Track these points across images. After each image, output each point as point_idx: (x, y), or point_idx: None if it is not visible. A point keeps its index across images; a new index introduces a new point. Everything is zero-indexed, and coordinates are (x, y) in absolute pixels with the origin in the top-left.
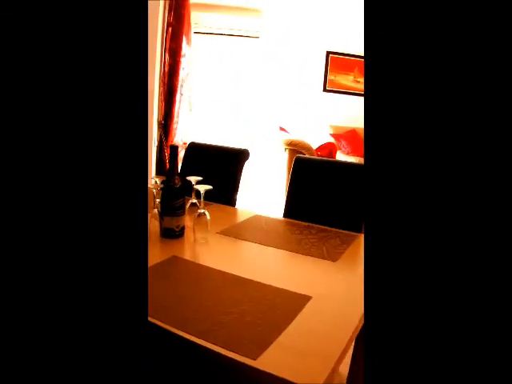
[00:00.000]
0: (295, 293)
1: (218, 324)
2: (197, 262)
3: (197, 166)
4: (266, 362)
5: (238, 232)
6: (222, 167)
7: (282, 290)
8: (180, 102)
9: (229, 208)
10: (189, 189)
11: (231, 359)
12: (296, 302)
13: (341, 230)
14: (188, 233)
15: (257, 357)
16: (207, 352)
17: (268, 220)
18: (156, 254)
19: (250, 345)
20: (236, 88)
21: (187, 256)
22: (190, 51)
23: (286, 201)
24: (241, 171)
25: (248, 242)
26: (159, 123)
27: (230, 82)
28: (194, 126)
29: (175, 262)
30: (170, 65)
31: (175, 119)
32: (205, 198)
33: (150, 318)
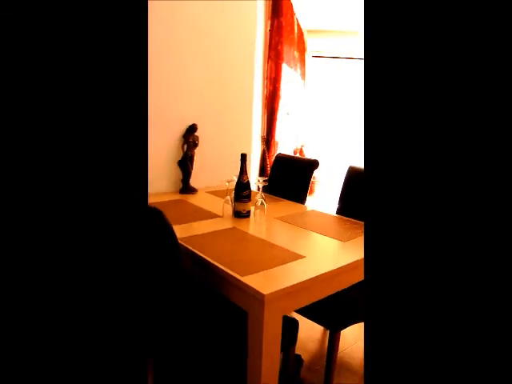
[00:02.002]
0: (294, 252)
1: (232, 258)
2: (244, 231)
3: (282, 171)
4: (249, 279)
5: (288, 218)
6: (297, 173)
7: (287, 250)
8: (280, 121)
9: (297, 205)
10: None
11: (229, 274)
12: (291, 256)
13: None
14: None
15: (244, 275)
16: (219, 270)
17: (318, 213)
18: (224, 225)
19: (244, 269)
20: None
21: (242, 228)
22: (293, 76)
23: (339, 201)
24: (310, 176)
25: (289, 224)
26: (262, 138)
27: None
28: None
29: (231, 230)
30: (270, 91)
31: (276, 135)
32: (282, 197)
33: (193, 249)
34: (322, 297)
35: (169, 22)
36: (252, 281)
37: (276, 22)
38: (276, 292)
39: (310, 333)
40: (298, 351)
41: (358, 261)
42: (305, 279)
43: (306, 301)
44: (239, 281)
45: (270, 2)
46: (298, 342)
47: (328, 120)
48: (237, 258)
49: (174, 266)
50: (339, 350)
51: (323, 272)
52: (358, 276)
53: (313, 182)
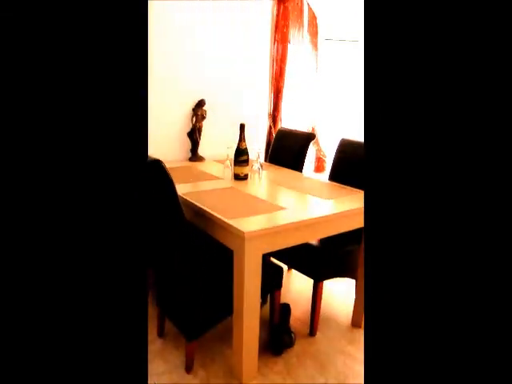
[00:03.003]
0: (277, 205)
1: (223, 208)
2: (240, 190)
3: (282, 143)
4: (234, 221)
5: (281, 182)
6: (295, 144)
7: (272, 203)
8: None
9: (293, 172)
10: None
11: (219, 218)
12: (274, 208)
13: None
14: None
15: (231, 219)
16: (211, 216)
17: (308, 178)
18: (223, 185)
19: (231, 215)
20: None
21: (238, 188)
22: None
23: (331, 169)
24: (307, 147)
25: (280, 186)
26: (269, 114)
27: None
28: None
29: (229, 189)
30: (276, 71)
31: (280, 111)
32: (282, 165)
33: (192, 201)
34: (296, 243)
35: (188, 2)
36: (236, 223)
37: (282, 6)
38: (255, 231)
39: (303, 288)
40: (291, 307)
41: (330, 215)
42: (280, 224)
43: (282, 243)
44: (226, 223)
45: None
46: (290, 295)
47: (342, 101)
48: (227, 208)
49: (172, 204)
50: (329, 305)
51: (297, 220)
52: (330, 229)
53: (323, 161)
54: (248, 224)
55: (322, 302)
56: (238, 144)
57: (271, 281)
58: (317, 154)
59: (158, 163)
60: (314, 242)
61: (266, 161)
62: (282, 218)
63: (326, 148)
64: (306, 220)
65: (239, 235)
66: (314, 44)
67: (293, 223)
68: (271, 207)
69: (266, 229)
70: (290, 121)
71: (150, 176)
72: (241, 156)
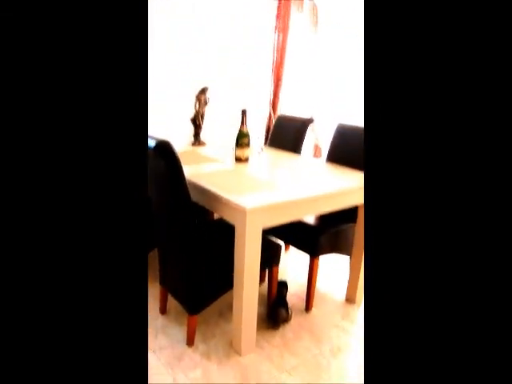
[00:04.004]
0: (277, 184)
1: (225, 186)
2: (241, 171)
3: (281, 128)
4: (236, 198)
5: (280, 163)
6: (294, 129)
7: (271, 182)
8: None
9: (292, 154)
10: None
11: (221, 196)
12: (273, 187)
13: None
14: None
15: (233, 196)
16: (214, 194)
17: (306, 160)
18: (225, 168)
19: (233, 192)
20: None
21: (239, 169)
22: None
23: (328, 151)
24: (305, 132)
25: (279, 168)
26: (270, 102)
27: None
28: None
29: (231, 170)
30: (277, 59)
31: (279, 99)
32: (282, 149)
33: (196, 181)
34: (295, 218)
35: None
36: (238, 199)
37: None
38: (256, 207)
39: (300, 266)
40: (288, 284)
41: (326, 193)
42: (279, 201)
43: (281, 219)
44: (228, 199)
45: None
46: (288, 273)
47: (340, 90)
48: (229, 186)
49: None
50: (325, 282)
51: (294, 199)
52: (326, 206)
53: (320, 149)
54: (249, 200)
55: (318, 279)
56: (240, 127)
57: (270, 257)
58: (315, 142)
59: (166, 144)
60: (310, 220)
61: (265, 145)
62: (282, 195)
63: (323, 136)
64: (303, 198)
65: (241, 210)
66: (315, 31)
67: (292, 200)
68: (271, 186)
69: (266, 205)
70: (290, 108)
71: (158, 155)
72: (242, 139)
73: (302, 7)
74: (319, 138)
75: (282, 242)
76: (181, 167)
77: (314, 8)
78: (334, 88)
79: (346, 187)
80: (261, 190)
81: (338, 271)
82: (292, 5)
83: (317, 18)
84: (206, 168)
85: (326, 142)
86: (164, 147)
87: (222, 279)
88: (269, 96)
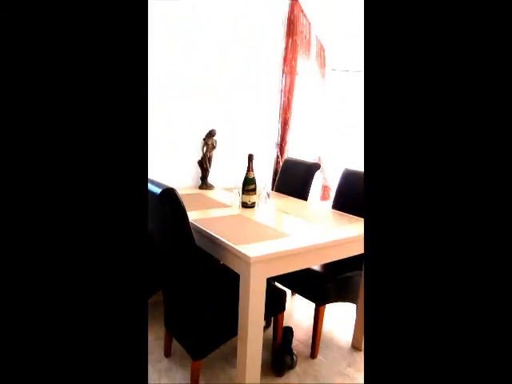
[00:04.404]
0: (282, 232)
1: (231, 234)
2: (247, 217)
3: (288, 172)
4: (241, 247)
5: (286, 209)
6: (301, 173)
7: (276, 230)
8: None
9: (298, 200)
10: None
11: (227, 243)
12: (278, 235)
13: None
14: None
15: (238, 245)
16: (220, 241)
17: (313, 206)
18: (232, 213)
19: (238, 241)
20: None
21: (245, 215)
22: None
23: (334, 197)
24: (312, 177)
25: (285, 213)
26: (277, 144)
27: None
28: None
29: (237, 216)
30: (284, 102)
31: (287, 142)
32: (288, 194)
33: (202, 227)
34: (299, 268)
35: (199, 38)
36: (243, 248)
37: (291, 40)
38: (260, 256)
39: (306, 311)
40: (293, 329)
41: (331, 242)
42: (284, 250)
43: (286, 268)
44: (233, 248)
45: (286, 23)
46: (293, 319)
47: (348, 132)
48: (234, 234)
49: (183, 227)
50: (331, 328)
51: (300, 247)
52: (331, 255)
53: (329, 189)
54: (254, 249)
55: (324, 324)
56: (246, 173)
57: (275, 304)
58: (323, 182)
59: (171, 191)
60: (316, 267)
61: (272, 189)
62: (286, 244)
63: (331, 177)
64: (308, 246)
65: (245, 260)
66: (322, 74)
67: (296, 249)
68: (276, 234)
69: (270, 254)
70: (297, 150)
71: (163, 202)
72: (249, 185)
73: (309, 51)
74: (328, 178)
75: (288, 290)
76: (185, 213)
77: (322, 51)
78: (342, 127)
79: (352, 236)
80: (266, 238)
81: (344, 316)
82: (299, 48)
83: (324, 60)
84: (212, 213)
85: (334, 183)
86: (169, 194)
87: (227, 326)
88: (276, 138)
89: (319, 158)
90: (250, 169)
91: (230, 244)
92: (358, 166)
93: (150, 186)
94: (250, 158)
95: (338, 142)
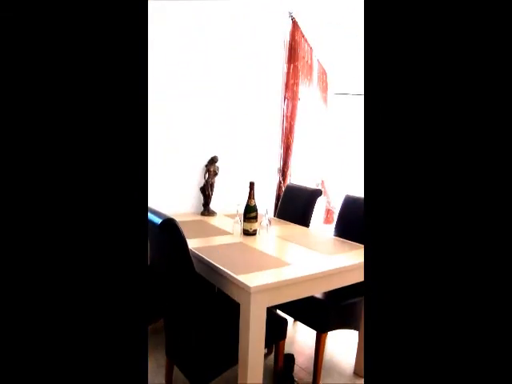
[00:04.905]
0: (283, 260)
1: (232, 262)
2: (249, 245)
3: (290, 198)
4: (242, 277)
5: (288, 237)
6: (303, 200)
7: (277, 258)
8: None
9: (300, 227)
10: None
11: (227, 273)
12: (279, 263)
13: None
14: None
15: (238, 274)
16: (220, 270)
17: (315, 234)
18: (233, 240)
19: (239, 270)
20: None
21: (247, 243)
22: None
23: (336, 224)
24: (314, 203)
25: (287, 241)
26: (279, 170)
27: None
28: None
29: (238, 244)
30: (286, 127)
31: (290, 167)
32: (290, 220)
33: (203, 255)
34: (300, 297)
35: (199, 63)
36: (243, 278)
37: (292, 66)
38: (260, 286)
39: (307, 338)
40: (295, 356)
41: (331, 270)
42: (284, 279)
43: (286, 297)
44: (234, 278)
45: (288, 48)
46: (295, 345)
47: (351, 154)
48: (235, 263)
49: (183, 256)
50: (333, 354)
51: (301, 276)
52: (332, 284)
53: (332, 212)
54: (254, 279)
55: (326, 350)
56: (248, 201)
57: (276, 331)
58: (326, 206)
59: (171, 221)
60: (318, 294)
61: (274, 215)
62: (287, 273)
63: (335, 200)
64: (309, 275)
65: (245, 290)
66: (324, 99)
67: (296, 278)
68: (277, 262)
69: (271, 283)
70: (300, 174)
71: (164, 232)
72: (250, 213)
73: (311, 75)
74: (331, 202)
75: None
76: (185, 243)
77: (324, 75)
78: (345, 150)
79: (353, 263)
80: (266, 266)
81: (346, 342)
82: (300, 73)
83: (326, 84)
84: (214, 241)
85: (338, 206)
86: (169, 224)
87: (228, 353)
88: (278, 163)
89: (322, 182)
90: (251, 196)
91: (231, 273)
92: (361, 189)
93: (150, 216)
94: (252, 185)
95: (341, 165)
